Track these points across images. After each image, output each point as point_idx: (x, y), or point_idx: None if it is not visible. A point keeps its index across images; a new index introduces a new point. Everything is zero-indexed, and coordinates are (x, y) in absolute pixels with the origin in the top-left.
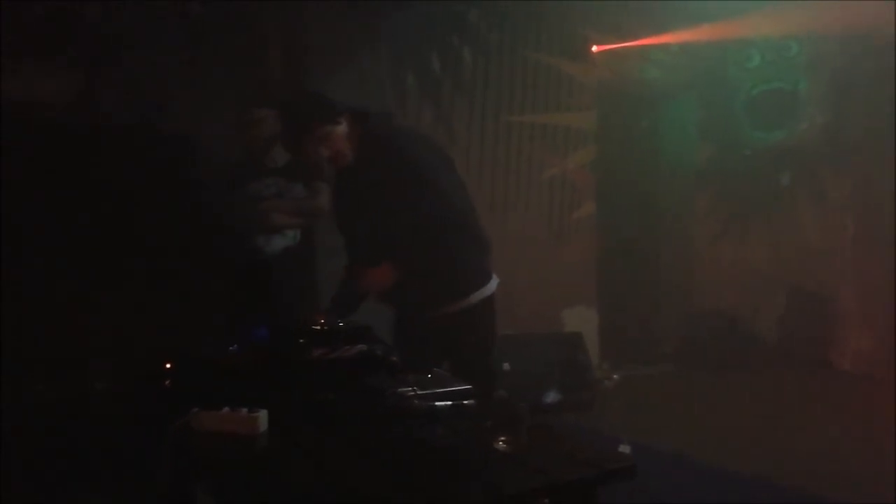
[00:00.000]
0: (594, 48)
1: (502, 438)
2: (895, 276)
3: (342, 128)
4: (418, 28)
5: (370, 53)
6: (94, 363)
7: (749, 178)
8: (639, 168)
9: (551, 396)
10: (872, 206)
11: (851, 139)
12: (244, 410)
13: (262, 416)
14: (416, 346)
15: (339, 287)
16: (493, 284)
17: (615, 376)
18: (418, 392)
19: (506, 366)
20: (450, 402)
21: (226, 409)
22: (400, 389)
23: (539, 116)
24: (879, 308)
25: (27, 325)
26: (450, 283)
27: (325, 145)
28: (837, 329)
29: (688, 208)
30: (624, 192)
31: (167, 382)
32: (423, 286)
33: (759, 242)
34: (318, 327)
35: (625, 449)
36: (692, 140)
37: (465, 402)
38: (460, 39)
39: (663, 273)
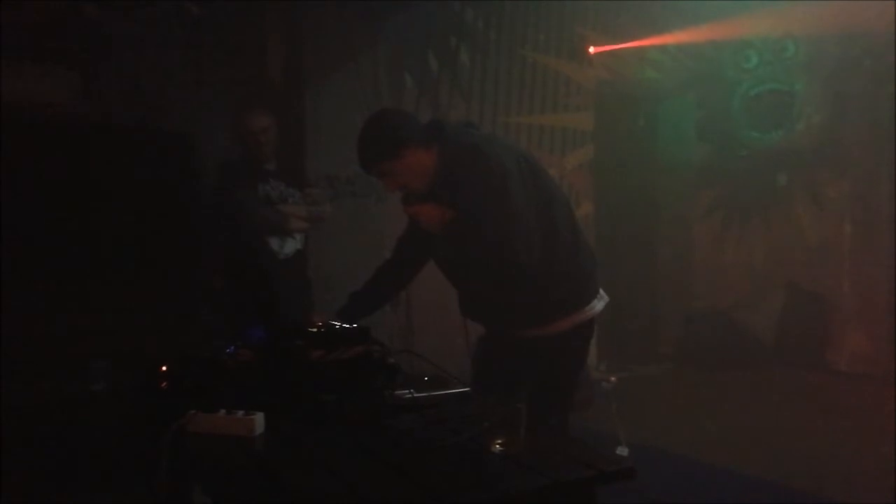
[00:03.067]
0: (592, 49)
1: (500, 440)
2: (893, 275)
3: (406, 160)
4: (416, 28)
5: (369, 53)
6: (94, 363)
7: (747, 179)
8: (636, 168)
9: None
10: (870, 206)
11: (849, 139)
12: (240, 413)
13: (259, 418)
14: (507, 366)
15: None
16: (602, 301)
17: (613, 377)
18: (415, 394)
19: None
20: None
21: (222, 412)
22: (398, 391)
23: (537, 117)
24: (877, 308)
25: (27, 325)
26: (562, 299)
27: (388, 180)
28: (835, 329)
29: (685, 208)
30: (621, 192)
31: (163, 384)
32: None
33: (756, 242)
34: (316, 329)
35: (623, 451)
36: (690, 140)
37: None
38: (458, 39)
39: (661, 273)
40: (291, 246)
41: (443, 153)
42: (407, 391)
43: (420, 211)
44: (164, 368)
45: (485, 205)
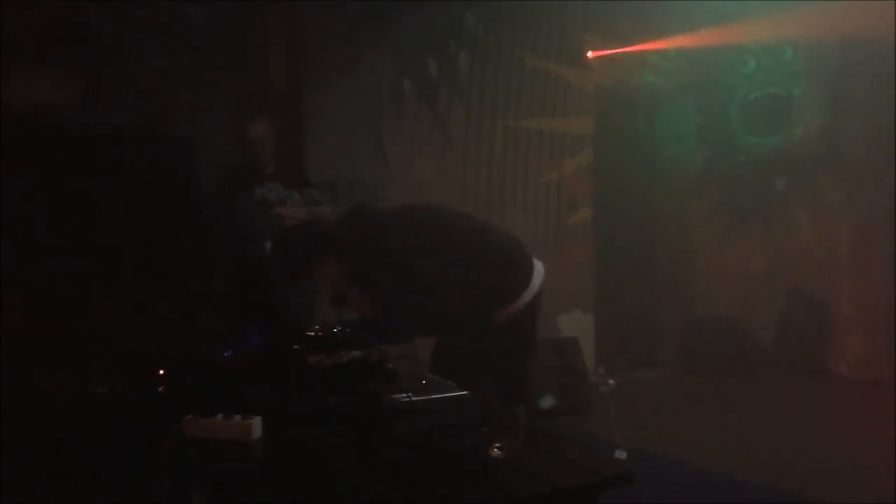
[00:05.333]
0: (591, 53)
1: (498, 444)
2: (893, 280)
3: (329, 266)
4: (416, 32)
5: (369, 57)
6: (94, 365)
7: (745, 183)
8: (635, 173)
9: (548, 401)
10: (869, 210)
11: (848, 144)
12: (238, 417)
13: (256, 422)
14: (455, 360)
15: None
16: (535, 284)
17: (611, 381)
18: (413, 398)
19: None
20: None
21: (220, 416)
22: (395, 395)
23: (536, 121)
24: (877, 313)
25: (27, 325)
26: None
27: (320, 283)
28: (835, 334)
29: (685, 213)
30: (620, 196)
31: (161, 388)
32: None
33: (756, 247)
34: (314, 333)
35: (621, 455)
36: (689, 145)
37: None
38: (458, 43)
39: (660, 278)
40: None
41: (346, 258)
42: (405, 395)
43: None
44: (161, 373)
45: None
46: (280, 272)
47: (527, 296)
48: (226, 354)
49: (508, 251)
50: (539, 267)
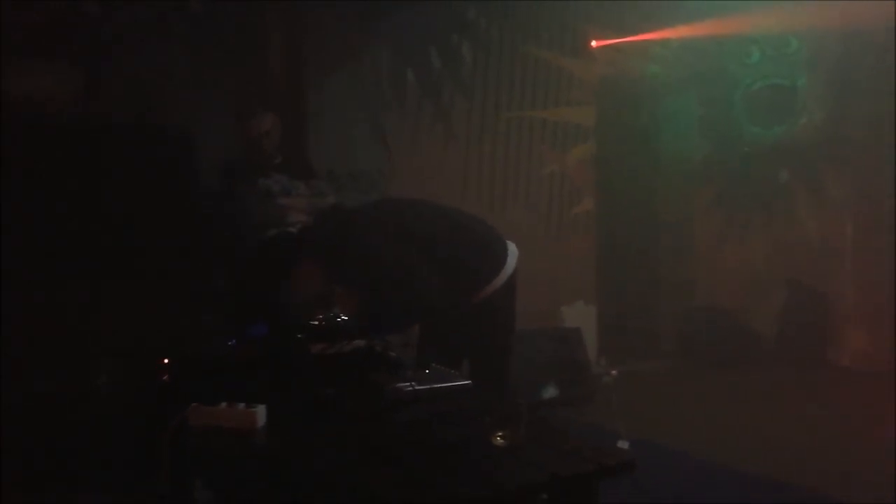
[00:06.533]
0: (594, 44)
1: (501, 434)
2: (894, 272)
3: (309, 269)
4: (418, 24)
5: (371, 50)
6: (94, 361)
7: (748, 175)
8: (638, 164)
9: (550, 392)
10: (872, 202)
11: (851, 136)
12: (241, 405)
13: (260, 411)
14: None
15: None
16: (510, 264)
17: (613, 372)
18: (416, 387)
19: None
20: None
21: (223, 405)
22: (398, 384)
23: (538, 112)
24: (879, 305)
25: (27, 324)
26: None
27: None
28: (836, 326)
29: (687, 204)
30: (623, 188)
31: (165, 378)
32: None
33: (758, 238)
34: (317, 323)
35: (623, 445)
36: (692, 136)
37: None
38: (460, 36)
39: (662, 269)
40: None
41: (323, 259)
42: (408, 384)
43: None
44: (165, 361)
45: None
46: (263, 283)
47: (503, 275)
48: (229, 344)
49: (480, 233)
50: (512, 248)
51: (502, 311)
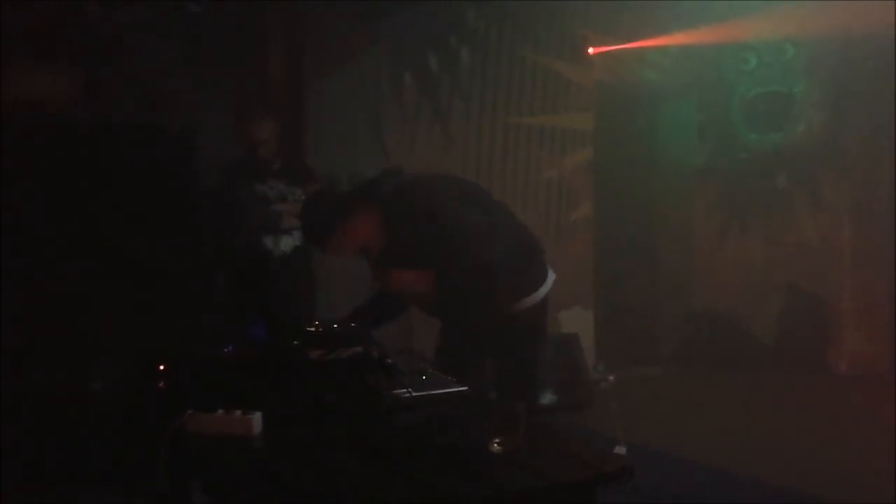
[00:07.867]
0: (592, 50)
1: (498, 439)
2: (893, 277)
3: (349, 231)
4: (417, 28)
5: (369, 53)
6: (94, 362)
7: (746, 180)
8: (636, 170)
9: (548, 397)
10: (870, 207)
11: (848, 141)
12: (238, 412)
13: (257, 417)
14: (463, 354)
15: (371, 299)
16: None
17: (611, 377)
18: (413, 393)
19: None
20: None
21: (220, 411)
22: (396, 390)
23: (537, 117)
24: (877, 309)
25: (27, 324)
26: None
27: (345, 251)
28: (835, 330)
29: (685, 210)
30: (621, 193)
31: (161, 384)
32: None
33: (756, 244)
34: (314, 328)
35: (621, 450)
36: (689, 142)
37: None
38: (458, 40)
39: (661, 274)
40: (288, 244)
41: (384, 210)
42: (405, 390)
43: (397, 282)
44: (161, 368)
45: (445, 254)
46: (313, 240)
47: (543, 290)
48: (225, 349)
49: (531, 237)
50: (550, 273)
51: (538, 327)
